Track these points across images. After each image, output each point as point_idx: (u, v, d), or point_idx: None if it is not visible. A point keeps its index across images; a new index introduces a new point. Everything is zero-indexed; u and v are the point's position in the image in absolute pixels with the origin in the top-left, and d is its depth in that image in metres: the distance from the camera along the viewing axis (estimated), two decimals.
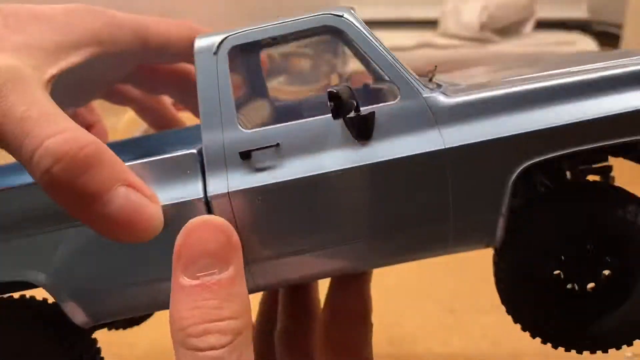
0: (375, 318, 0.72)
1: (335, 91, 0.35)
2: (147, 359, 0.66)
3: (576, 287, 0.41)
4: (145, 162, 0.38)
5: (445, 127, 0.37)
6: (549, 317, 0.42)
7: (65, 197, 0.32)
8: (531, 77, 0.39)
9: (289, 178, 0.37)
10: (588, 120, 0.37)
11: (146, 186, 0.35)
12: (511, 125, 0.37)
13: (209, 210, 0.37)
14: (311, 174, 0.37)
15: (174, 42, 0.46)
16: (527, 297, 0.41)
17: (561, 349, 0.64)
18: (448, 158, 0.37)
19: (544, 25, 1.30)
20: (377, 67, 0.38)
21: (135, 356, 0.67)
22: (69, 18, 0.39)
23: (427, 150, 0.36)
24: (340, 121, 0.37)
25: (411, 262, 0.42)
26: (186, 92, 0.53)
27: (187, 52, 0.42)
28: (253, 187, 0.37)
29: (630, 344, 0.41)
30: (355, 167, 0.37)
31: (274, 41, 0.42)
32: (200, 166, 0.38)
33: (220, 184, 0.37)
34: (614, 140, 0.37)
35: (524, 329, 0.43)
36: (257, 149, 0.38)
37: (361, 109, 0.36)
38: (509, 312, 0.42)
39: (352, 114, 0.36)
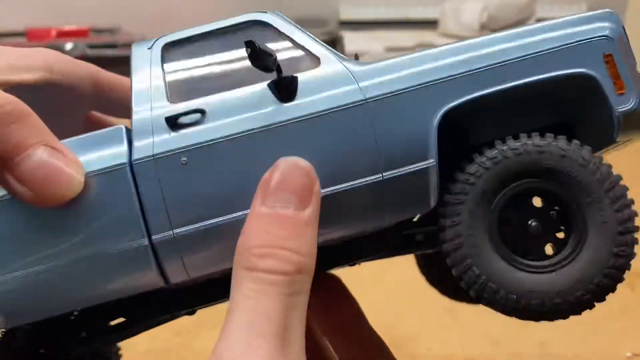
0: (375, 318, 0.72)
1: (250, 40, 0.36)
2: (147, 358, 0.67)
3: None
4: (77, 138, 0.39)
5: (364, 84, 0.39)
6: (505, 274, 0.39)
7: None
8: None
9: (212, 137, 0.38)
10: (497, 63, 0.39)
11: (69, 151, 0.35)
12: (425, 75, 0.39)
13: (133, 177, 0.38)
14: (235, 131, 0.38)
15: (126, 89, 0.46)
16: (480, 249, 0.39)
17: (560, 349, 0.65)
18: (369, 108, 0.39)
19: None
20: (301, 45, 0.41)
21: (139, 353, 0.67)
22: (27, 52, 0.43)
23: (350, 101, 0.39)
24: (265, 89, 0.39)
25: (361, 233, 0.41)
26: None
27: None
28: (177, 149, 0.38)
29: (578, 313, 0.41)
30: (280, 123, 0.38)
31: (204, 36, 0.44)
32: (128, 138, 0.39)
33: (146, 150, 0.38)
34: (520, 80, 0.39)
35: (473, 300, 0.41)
36: (183, 114, 0.39)
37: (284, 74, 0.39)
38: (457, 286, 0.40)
39: (275, 78, 0.38)
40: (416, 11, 1.42)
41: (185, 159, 0.38)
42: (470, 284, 0.38)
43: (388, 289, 0.72)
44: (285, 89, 0.39)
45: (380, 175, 0.39)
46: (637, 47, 1.23)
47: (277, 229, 0.35)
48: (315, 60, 0.41)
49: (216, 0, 1.47)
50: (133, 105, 0.40)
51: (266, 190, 0.35)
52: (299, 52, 0.42)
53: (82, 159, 0.38)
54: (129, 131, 0.40)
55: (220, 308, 0.74)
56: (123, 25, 1.30)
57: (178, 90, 0.42)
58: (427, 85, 0.39)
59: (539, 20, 1.26)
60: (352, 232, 0.41)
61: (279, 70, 0.38)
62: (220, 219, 0.38)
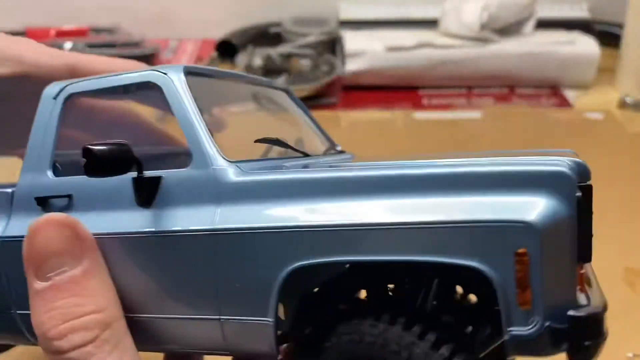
0: None
1: (90, 148, 0.32)
2: None
3: None
4: None
5: (225, 204, 0.34)
6: None
7: None
8: (344, 164, 0.35)
9: None
10: (356, 225, 0.31)
11: None
12: (287, 216, 0.32)
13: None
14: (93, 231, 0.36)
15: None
16: None
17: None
18: (215, 239, 0.34)
19: (544, 24, 1.29)
20: (183, 129, 0.36)
21: None
22: None
23: (196, 227, 0.34)
24: (130, 182, 0.35)
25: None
26: (127, 131, 0.51)
27: None
28: (19, 236, 0.36)
29: None
30: (131, 233, 0.35)
31: (104, 92, 0.40)
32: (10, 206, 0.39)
33: (11, 229, 0.38)
34: (391, 257, 0.31)
35: None
36: (52, 197, 0.37)
37: (148, 172, 0.35)
38: None
39: (134, 174, 0.35)
40: (417, 11, 1.41)
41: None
42: None
43: None
44: (143, 190, 0.35)
45: (218, 317, 0.34)
46: (638, 47, 1.22)
47: (63, 300, 0.32)
48: (188, 156, 0.36)
49: (216, 0, 1.46)
50: (23, 165, 0.39)
51: (32, 262, 0.33)
52: (172, 141, 0.38)
53: None
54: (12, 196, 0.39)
55: None
56: (122, 24, 1.30)
57: (62, 160, 0.40)
58: (282, 231, 0.32)
59: (539, 20, 1.25)
60: (197, 350, 0.38)
61: (138, 165, 0.33)
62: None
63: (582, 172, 0.32)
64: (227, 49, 1.32)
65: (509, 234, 0.27)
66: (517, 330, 0.28)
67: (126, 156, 0.33)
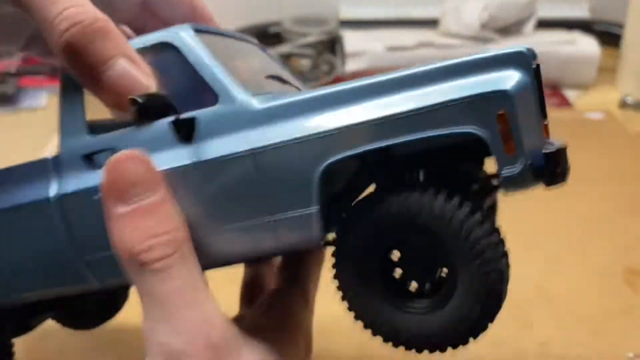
0: None
1: (134, 98, 0.39)
2: None
3: (411, 287, 0.41)
4: (6, 168, 0.45)
5: (256, 129, 0.40)
6: (385, 317, 0.41)
7: (76, 58, 0.38)
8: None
9: None
10: (374, 120, 0.38)
11: (144, 63, 0.40)
12: (312, 126, 0.39)
13: (59, 211, 0.43)
14: None
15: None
16: (363, 296, 0.42)
17: (560, 350, 0.64)
18: (254, 157, 0.40)
19: (545, 24, 1.30)
20: (203, 77, 0.42)
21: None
22: None
23: (237, 150, 0.40)
24: (170, 126, 0.41)
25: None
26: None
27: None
28: (85, 188, 0.42)
29: (456, 347, 0.41)
30: (181, 167, 0.40)
31: None
32: (55, 170, 0.44)
33: (66, 185, 0.43)
34: (404, 138, 0.38)
35: (364, 327, 0.43)
36: (98, 152, 0.42)
37: (184, 114, 0.41)
38: (349, 309, 0.43)
39: (172, 118, 0.40)
40: (416, 10, 1.41)
41: (96, 196, 0.41)
42: (367, 328, 0.42)
43: None
44: (182, 129, 0.40)
45: (271, 217, 0.40)
46: (639, 49, 1.22)
47: (145, 222, 0.38)
48: (214, 96, 0.41)
49: (216, 0, 1.46)
50: (61, 135, 0.44)
51: (114, 193, 0.38)
52: (200, 85, 0.42)
53: (9, 194, 0.44)
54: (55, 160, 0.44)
55: (222, 309, 0.73)
56: (123, 25, 1.30)
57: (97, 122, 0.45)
58: (314, 137, 0.39)
59: (540, 19, 1.25)
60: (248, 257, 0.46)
61: (174, 110, 0.40)
62: None
63: (533, 53, 0.39)
64: None
65: (492, 102, 0.36)
66: (508, 170, 0.37)
67: (164, 102, 0.40)
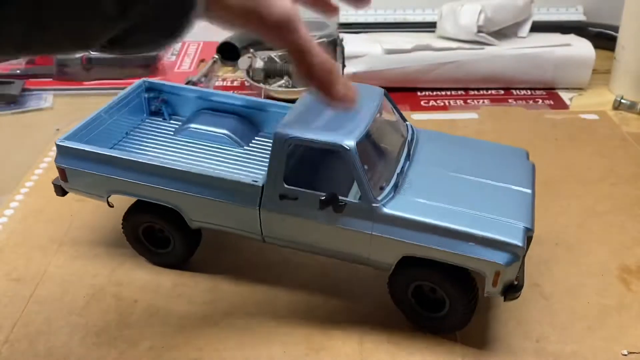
0: (375, 317, 0.73)
1: (324, 197, 0.61)
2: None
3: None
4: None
5: (378, 224, 0.62)
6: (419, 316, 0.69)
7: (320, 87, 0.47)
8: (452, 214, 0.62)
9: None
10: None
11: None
12: (407, 235, 0.62)
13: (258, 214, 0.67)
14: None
15: None
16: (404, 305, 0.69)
17: (556, 346, 0.65)
18: (372, 237, 0.63)
19: (540, 27, 1.31)
20: (357, 181, 0.62)
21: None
22: None
23: (361, 230, 0.63)
24: (329, 201, 0.62)
25: None
26: None
27: None
28: (277, 209, 0.66)
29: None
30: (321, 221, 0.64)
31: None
32: (262, 193, 0.65)
33: (267, 205, 0.66)
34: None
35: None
36: (286, 198, 0.64)
37: (342, 198, 0.62)
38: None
39: (334, 199, 0.62)
40: (414, 14, 1.43)
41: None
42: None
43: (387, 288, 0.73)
44: (338, 207, 0.63)
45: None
46: (635, 49, 1.25)
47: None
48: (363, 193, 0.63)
49: None
50: (266, 179, 0.66)
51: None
52: (353, 180, 0.65)
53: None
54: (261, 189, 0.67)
55: (222, 307, 0.75)
56: None
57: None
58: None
59: (535, 23, 1.26)
60: None
61: (335, 198, 0.63)
62: None
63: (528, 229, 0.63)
64: (228, 51, 1.34)
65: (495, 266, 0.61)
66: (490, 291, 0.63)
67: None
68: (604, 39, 1.36)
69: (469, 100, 1.22)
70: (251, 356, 0.65)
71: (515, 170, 0.69)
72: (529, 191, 0.65)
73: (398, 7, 1.44)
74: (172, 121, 0.87)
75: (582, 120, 1.14)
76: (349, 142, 0.59)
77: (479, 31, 1.20)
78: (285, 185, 0.63)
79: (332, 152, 0.61)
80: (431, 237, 0.59)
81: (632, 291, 0.74)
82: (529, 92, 1.25)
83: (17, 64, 1.28)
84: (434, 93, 1.25)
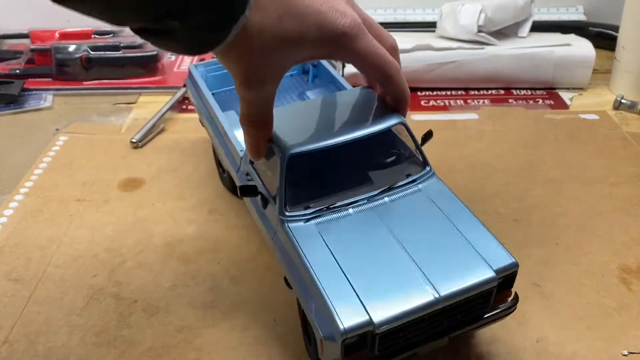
0: None
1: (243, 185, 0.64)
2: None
3: None
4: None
5: (277, 235, 0.63)
6: None
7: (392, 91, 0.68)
8: None
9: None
10: None
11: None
12: None
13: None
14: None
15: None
16: None
17: (556, 347, 0.65)
18: None
19: (540, 27, 1.31)
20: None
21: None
22: None
23: (268, 232, 0.65)
24: None
25: None
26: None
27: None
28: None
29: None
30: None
31: None
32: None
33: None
34: None
35: None
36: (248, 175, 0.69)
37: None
38: None
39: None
40: (414, 14, 1.43)
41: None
42: None
43: None
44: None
45: None
46: (635, 49, 1.24)
47: None
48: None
49: None
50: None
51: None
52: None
53: None
54: None
55: (222, 307, 0.75)
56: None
57: None
58: None
59: (536, 22, 1.26)
60: None
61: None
62: None
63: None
64: None
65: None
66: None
67: None
68: (604, 38, 1.36)
69: (469, 100, 1.22)
70: (251, 356, 0.65)
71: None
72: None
73: (398, 7, 1.44)
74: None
75: (582, 120, 1.14)
76: (288, 150, 0.58)
77: (479, 31, 1.20)
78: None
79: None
80: (296, 275, 0.57)
81: (633, 291, 0.74)
82: (529, 92, 1.25)
83: (16, 64, 1.29)
84: (434, 93, 1.25)
